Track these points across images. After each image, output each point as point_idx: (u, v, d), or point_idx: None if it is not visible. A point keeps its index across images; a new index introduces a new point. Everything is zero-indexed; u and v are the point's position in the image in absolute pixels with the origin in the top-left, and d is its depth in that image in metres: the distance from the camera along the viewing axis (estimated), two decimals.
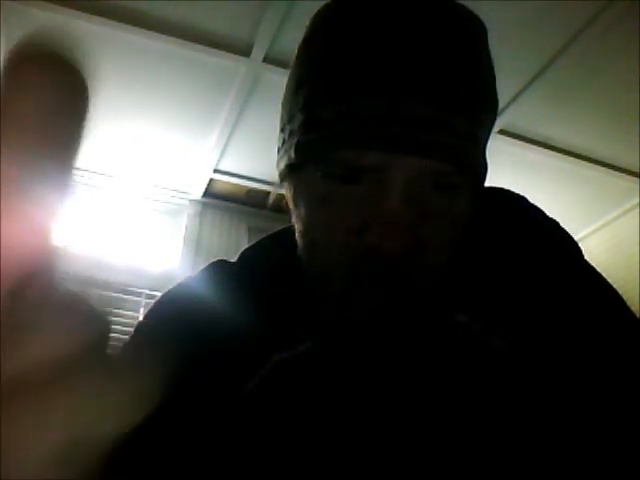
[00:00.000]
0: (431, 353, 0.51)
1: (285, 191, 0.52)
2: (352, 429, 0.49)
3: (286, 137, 0.50)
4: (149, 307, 0.56)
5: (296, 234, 0.51)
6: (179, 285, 0.57)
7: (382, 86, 0.43)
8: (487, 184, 0.58)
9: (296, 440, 0.49)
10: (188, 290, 0.56)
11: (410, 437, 0.49)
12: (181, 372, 0.48)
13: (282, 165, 0.51)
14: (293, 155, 0.48)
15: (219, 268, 0.58)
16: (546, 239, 0.55)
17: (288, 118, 0.50)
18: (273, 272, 0.54)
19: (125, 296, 2.59)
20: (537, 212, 0.57)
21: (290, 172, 0.49)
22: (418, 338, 0.50)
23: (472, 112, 0.45)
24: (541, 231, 0.55)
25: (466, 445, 0.48)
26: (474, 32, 0.49)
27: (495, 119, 0.51)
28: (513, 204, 0.58)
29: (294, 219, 0.51)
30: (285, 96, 0.52)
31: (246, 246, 0.61)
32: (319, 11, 0.51)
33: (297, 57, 0.51)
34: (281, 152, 0.51)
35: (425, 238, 0.45)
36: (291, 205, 0.51)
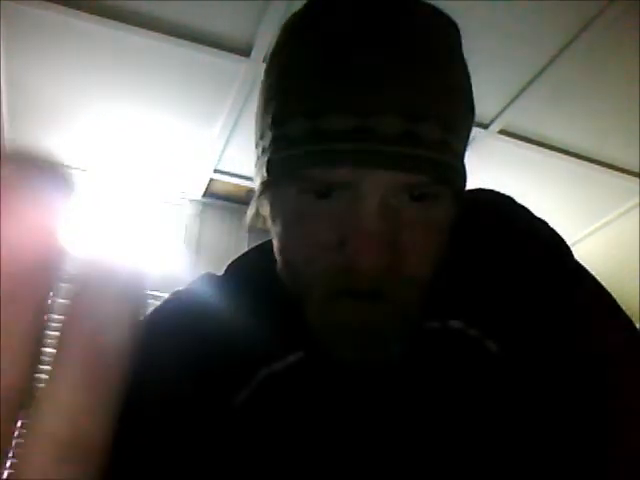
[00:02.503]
0: (426, 360, 0.51)
1: (262, 208, 0.51)
2: (343, 440, 0.49)
3: (259, 154, 0.49)
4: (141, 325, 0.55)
5: (274, 251, 0.50)
6: (170, 301, 0.57)
7: (348, 101, 0.42)
8: (484, 184, 0.58)
9: (286, 452, 0.48)
10: (179, 306, 0.55)
11: (403, 448, 0.49)
12: (173, 387, 0.48)
13: (258, 181, 0.50)
14: (265, 173, 0.47)
15: (208, 282, 0.57)
16: (534, 241, 0.54)
17: (260, 134, 0.49)
18: (260, 284, 0.54)
19: None
20: (525, 213, 0.57)
21: (265, 189, 0.48)
22: (409, 346, 0.50)
23: (443, 121, 0.44)
24: (529, 233, 0.55)
25: (462, 455, 0.48)
26: (443, 38, 0.48)
27: (472, 123, 0.50)
28: (500, 206, 0.57)
29: (272, 236, 0.50)
30: (256, 112, 0.51)
31: (246, 247, 0.61)
32: (285, 24, 0.50)
33: (265, 72, 0.50)
34: (256, 168, 0.50)
35: (403, 251, 0.44)
36: (269, 222, 0.50)
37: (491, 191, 0.58)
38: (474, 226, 0.54)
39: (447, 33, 0.49)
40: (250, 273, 0.57)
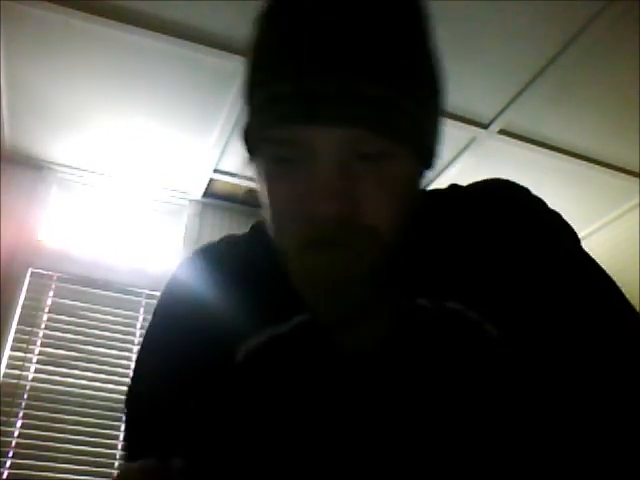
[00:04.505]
0: (423, 340, 0.51)
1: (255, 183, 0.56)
2: (342, 404, 0.51)
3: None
4: (154, 313, 0.62)
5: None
6: (171, 285, 0.62)
7: (291, 69, 0.47)
8: (512, 181, 0.59)
9: (285, 411, 0.52)
10: (182, 288, 0.61)
11: (401, 419, 0.50)
12: (189, 356, 0.54)
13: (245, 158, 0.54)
14: (241, 143, 0.52)
15: (204, 257, 0.63)
16: (539, 226, 0.55)
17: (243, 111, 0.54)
18: (259, 253, 0.58)
19: (125, 296, 2.59)
20: (534, 201, 0.58)
21: (250, 162, 0.53)
22: (409, 323, 0.51)
23: (383, 79, 0.46)
24: (534, 218, 0.56)
25: (456, 438, 0.49)
26: (388, 5, 0.49)
27: (436, 84, 0.52)
28: (508, 192, 0.58)
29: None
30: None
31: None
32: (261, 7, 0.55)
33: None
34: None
35: (359, 202, 0.47)
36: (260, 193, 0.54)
37: (504, 180, 0.59)
38: (480, 210, 0.56)
39: (395, 3, 0.50)
40: (264, 238, 0.59)
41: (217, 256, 0.62)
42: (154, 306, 0.62)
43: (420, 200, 0.55)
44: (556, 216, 0.57)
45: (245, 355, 0.53)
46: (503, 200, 0.57)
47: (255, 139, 0.51)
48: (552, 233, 0.55)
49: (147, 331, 0.61)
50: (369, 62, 0.45)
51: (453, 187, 0.61)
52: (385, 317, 0.53)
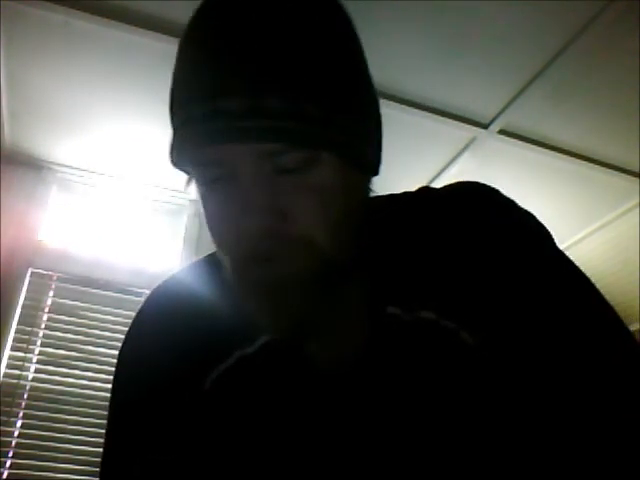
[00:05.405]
0: (397, 351, 0.51)
1: None
2: (314, 423, 0.51)
3: None
4: (134, 324, 0.61)
5: None
6: (158, 288, 0.61)
7: (202, 90, 0.47)
8: (483, 183, 0.58)
9: (254, 432, 0.52)
10: (166, 292, 0.61)
11: (369, 435, 0.49)
12: (157, 369, 0.53)
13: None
14: (172, 166, 0.53)
15: (195, 268, 0.62)
16: (511, 229, 0.55)
17: None
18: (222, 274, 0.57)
19: (125, 296, 2.59)
20: (504, 203, 0.57)
21: (188, 183, 0.54)
22: (381, 333, 0.51)
23: (292, 91, 0.46)
24: (505, 221, 0.55)
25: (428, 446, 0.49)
26: (294, 17, 0.48)
27: (360, 97, 0.51)
28: (476, 195, 0.57)
29: None
30: None
31: None
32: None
33: None
34: None
35: (288, 214, 0.47)
36: None
37: (472, 182, 0.59)
38: (450, 213, 0.55)
39: (302, 11, 0.49)
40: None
41: (188, 281, 0.61)
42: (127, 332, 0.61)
43: (375, 206, 0.54)
44: (530, 217, 0.56)
45: (214, 380, 0.53)
46: (474, 203, 0.56)
47: (180, 162, 0.52)
48: (527, 235, 0.54)
49: (121, 355, 0.59)
50: (274, 76, 0.45)
51: (423, 190, 0.60)
52: (355, 327, 0.52)
